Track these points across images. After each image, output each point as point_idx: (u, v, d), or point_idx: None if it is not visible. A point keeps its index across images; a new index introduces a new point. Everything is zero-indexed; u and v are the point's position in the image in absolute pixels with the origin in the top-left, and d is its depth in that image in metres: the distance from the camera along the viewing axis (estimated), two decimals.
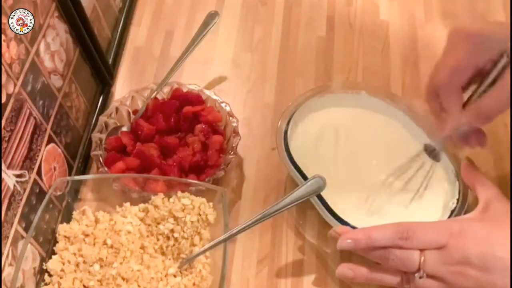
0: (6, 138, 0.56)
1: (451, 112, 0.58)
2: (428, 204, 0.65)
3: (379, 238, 0.56)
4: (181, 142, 0.71)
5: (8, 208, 0.56)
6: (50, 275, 0.62)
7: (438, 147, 0.64)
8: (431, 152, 0.65)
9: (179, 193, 0.65)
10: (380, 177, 0.68)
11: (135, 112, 0.75)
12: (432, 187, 0.67)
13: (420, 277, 0.55)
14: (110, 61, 0.82)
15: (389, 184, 0.67)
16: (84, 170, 0.73)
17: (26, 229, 0.60)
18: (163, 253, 0.64)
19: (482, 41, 0.54)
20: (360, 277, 0.58)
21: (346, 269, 0.59)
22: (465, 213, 0.63)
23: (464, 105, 0.57)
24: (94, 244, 0.63)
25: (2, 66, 0.55)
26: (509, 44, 0.52)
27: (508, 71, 0.53)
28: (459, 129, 0.59)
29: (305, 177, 0.64)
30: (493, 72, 0.55)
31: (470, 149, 0.71)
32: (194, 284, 0.61)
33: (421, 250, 0.55)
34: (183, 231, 0.63)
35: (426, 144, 0.65)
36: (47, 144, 0.65)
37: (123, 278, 0.60)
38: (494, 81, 0.55)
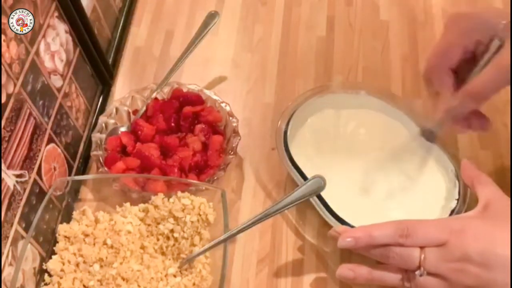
0: (6, 138, 0.56)
1: (442, 93, 0.59)
2: (428, 204, 0.65)
3: (379, 236, 0.55)
4: (181, 142, 0.71)
5: (8, 208, 0.56)
6: (50, 275, 0.62)
7: (435, 129, 0.64)
8: (428, 135, 0.65)
9: (179, 193, 0.65)
10: (381, 176, 0.68)
11: (135, 112, 0.75)
12: (432, 187, 0.67)
13: (421, 275, 0.54)
14: (110, 61, 0.82)
15: (384, 168, 0.68)
16: (84, 170, 0.73)
17: (26, 229, 0.60)
18: (163, 253, 0.64)
19: (473, 23, 0.56)
20: (361, 278, 0.58)
21: (346, 270, 0.58)
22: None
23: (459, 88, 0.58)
24: (94, 244, 0.63)
25: (2, 66, 0.55)
26: (505, 27, 0.53)
27: (498, 54, 0.54)
28: (455, 112, 0.59)
29: (305, 177, 0.64)
30: (485, 56, 0.56)
31: (471, 149, 0.71)
32: (194, 284, 0.61)
33: (422, 247, 0.55)
34: (183, 231, 0.63)
35: (423, 128, 0.66)
36: (47, 144, 0.65)
37: (123, 278, 0.60)
38: (486, 65, 0.56)
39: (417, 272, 0.55)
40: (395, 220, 0.57)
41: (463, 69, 0.58)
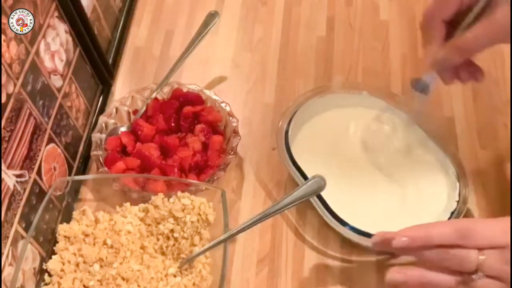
0: (6, 138, 0.56)
1: (432, 43, 0.58)
2: (428, 205, 0.65)
3: (437, 236, 0.51)
4: (181, 142, 0.71)
5: (8, 208, 0.56)
6: (50, 275, 0.62)
7: (426, 80, 0.63)
8: (418, 85, 0.64)
9: (179, 193, 0.65)
10: (381, 176, 0.68)
11: (135, 112, 0.75)
12: (433, 188, 0.67)
13: (479, 278, 0.50)
14: (110, 61, 0.82)
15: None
16: (84, 170, 0.73)
17: (26, 229, 0.60)
18: (163, 253, 0.64)
19: None
20: (412, 281, 0.53)
21: (395, 274, 0.53)
22: (465, 215, 0.62)
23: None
24: (94, 244, 0.63)
25: (2, 66, 0.55)
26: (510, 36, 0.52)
27: (491, 11, 0.53)
28: (441, 63, 0.58)
29: (305, 177, 0.64)
30: (474, 9, 0.55)
31: (471, 149, 0.71)
32: (194, 284, 0.61)
33: (480, 249, 0.51)
34: (183, 231, 0.63)
35: (413, 78, 0.64)
36: (47, 144, 0.65)
37: (123, 278, 0.60)
38: (476, 19, 0.55)
39: (474, 276, 0.50)
40: (452, 220, 0.53)
41: (459, 21, 0.57)
